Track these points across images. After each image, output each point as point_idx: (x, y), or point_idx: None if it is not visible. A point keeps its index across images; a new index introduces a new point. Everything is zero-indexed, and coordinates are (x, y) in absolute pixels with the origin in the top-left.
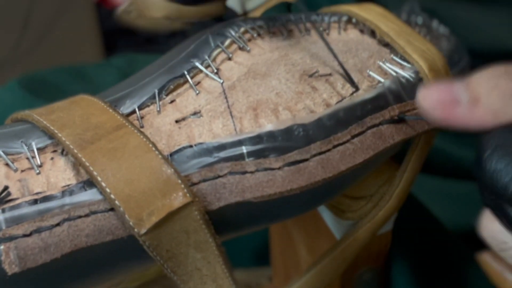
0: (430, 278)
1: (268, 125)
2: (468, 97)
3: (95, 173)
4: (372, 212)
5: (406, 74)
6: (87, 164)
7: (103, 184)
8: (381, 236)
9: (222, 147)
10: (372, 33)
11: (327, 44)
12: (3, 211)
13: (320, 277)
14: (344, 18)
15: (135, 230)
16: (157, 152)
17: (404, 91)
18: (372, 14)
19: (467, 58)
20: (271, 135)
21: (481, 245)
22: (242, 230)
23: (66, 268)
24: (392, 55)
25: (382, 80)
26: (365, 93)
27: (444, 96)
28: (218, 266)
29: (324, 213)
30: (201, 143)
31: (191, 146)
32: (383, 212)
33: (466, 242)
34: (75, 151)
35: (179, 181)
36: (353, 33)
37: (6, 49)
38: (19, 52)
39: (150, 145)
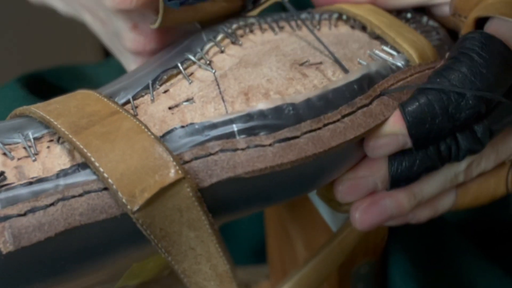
0: (427, 270)
1: (259, 105)
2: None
3: (88, 154)
4: None
5: (396, 62)
6: (81, 146)
7: (96, 164)
8: (378, 229)
9: (213, 126)
10: (363, 29)
11: (314, 35)
12: None
13: (318, 269)
14: (335, 16)
15: (128, 207)
16: (149, 133)
17: (394, 75)
18: (363, 9)
19: None
20: (261, 113)
21: (479, 236)
22: (236, 212)
23: (61, 251)
24: (382, 46)
25: (366, 63)
26: (350, 76)
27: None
28: (212, 245)
29: (321, 207)
30: (192, 123)
31: (182, 127)
32: None
33: (464, 233)
34: (70, 136)
35: (171, 159)
36: (343, 29)
37: (5, 49)
38: (18, 52)
39: (143, 127)
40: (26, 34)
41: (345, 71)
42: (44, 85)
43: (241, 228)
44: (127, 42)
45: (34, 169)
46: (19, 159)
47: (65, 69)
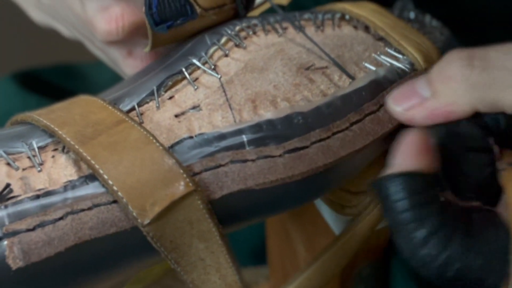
0: None
1: (267, 114)
2: (430, 93)
3: (96, 166)
4: (371, 206)
5: (401, 65)
6: (89, 158)
7: (105, 177)
8: (379, 231)
9: (222, 136)
10: (366, 29)
11: (307, 36)
12: (6, 207)
13: (321, 272)
14: (338, 15)
15: (139, 220)
16: (157, 144)
17: (400, 81)
18: (366, 10)
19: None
20: (270, 123)
21: None
22: (245, 221)
23: (71, 265)
24: (386, 48)
25: (374, 68)
26: (358, 82)
27: (407, 93)
28: (221, 256)
29: (323, 209)
30: (201, 134)
31: (191, 137)
32: None
33: None
34: (76, 146)
35: (181, 171)
36: (347, 29)
37: (4, 48)
38: (15, 48)
39: (151, 138)
40: (23, 31)
41: (351, 77)
42: (39, 83)
43: (241, 229)
44: (125, 68)
45: (40, 180)
46: (24, 169)
47: (61, 67)
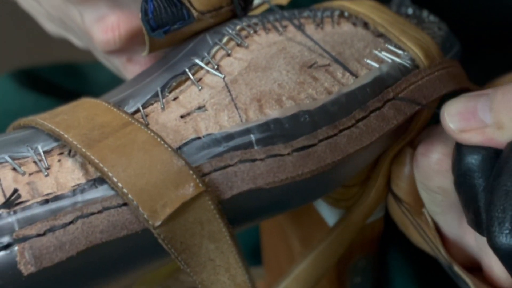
0: (425, 261)
1: (274, 113)
2: (492, 121)
3: (105, 169)
4: (363, 196)
5: (402, 61)
6: (97, 161)
7: (115, 180)
8: (374, 223)
9: (230, 136)
10: (365, 26)
11: (307, 35)
12: (15, 212)
13: (317, 264)
14: (337, 13)
15: (150, 222)
16: (166, 146)
17: (403, 77)
18: (364, 7)
19: (459, 44)
20: (278, 122)
21: None
22: (254, 220)
23: (82, 269)
24: (386, 45)
25: (377, 65)
26: (362, 79)
27: (466, 114)
28: (231, 256)
29: (318, 204)
30: (209, 134)
31: (199, 138)
32: (374, 193)
33: None
34: (83, 150)
35: (191, 172)
36: (346, 26)
37: (3, 47)
38: (16, 49)
39: (159, 139)
40: (23, 30)
41: (353, 74)
42: (38, 81)
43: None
44: (126, 74)
45: (47, 185)
46: (30, 174)
47: (59, 66)
